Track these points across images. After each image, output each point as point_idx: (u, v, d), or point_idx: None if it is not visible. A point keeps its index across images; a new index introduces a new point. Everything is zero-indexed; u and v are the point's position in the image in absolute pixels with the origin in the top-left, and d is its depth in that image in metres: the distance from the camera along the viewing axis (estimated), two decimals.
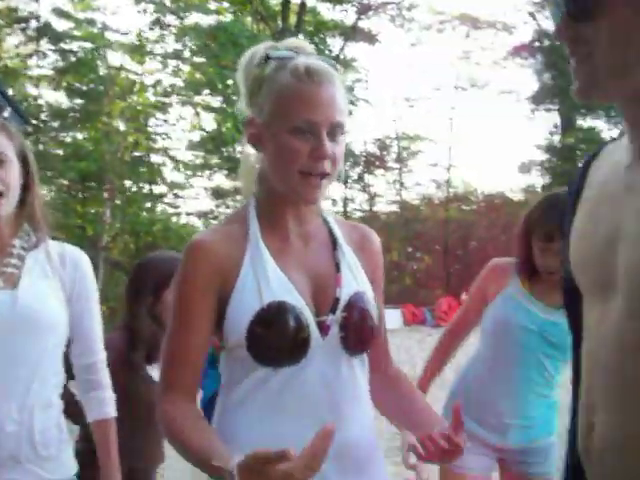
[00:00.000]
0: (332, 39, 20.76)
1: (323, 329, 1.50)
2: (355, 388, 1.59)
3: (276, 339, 1.46)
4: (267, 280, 1.51)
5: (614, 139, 1.30)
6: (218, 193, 22.40)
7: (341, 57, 20.17)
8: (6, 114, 9.71)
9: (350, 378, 1.57)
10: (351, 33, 20.31)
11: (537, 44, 21.85)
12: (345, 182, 19.64)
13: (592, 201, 1.23)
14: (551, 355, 2.44)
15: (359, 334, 1.54)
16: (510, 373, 2.49)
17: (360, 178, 21.29)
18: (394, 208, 25.23)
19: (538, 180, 22.01)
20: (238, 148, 17.76)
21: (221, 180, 22.69)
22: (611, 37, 1.03)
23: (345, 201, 20.85)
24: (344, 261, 1.59)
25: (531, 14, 22.01)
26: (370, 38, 22.68)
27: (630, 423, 1.13)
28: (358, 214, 20.70)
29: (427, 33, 24.93)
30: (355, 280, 1.57)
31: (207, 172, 19.38)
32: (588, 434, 1.22)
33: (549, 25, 21.99)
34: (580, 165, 1.40)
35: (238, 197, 22.23)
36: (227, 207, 22.86)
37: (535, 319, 2.46)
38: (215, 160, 18.08)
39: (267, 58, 1.46)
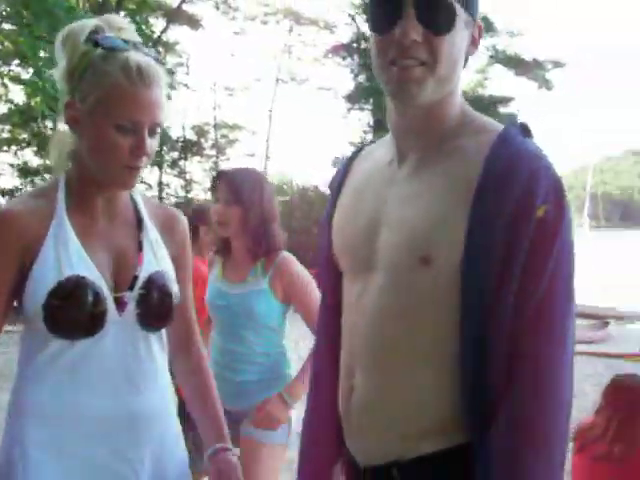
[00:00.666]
0: (154, 20, 20.24)
1: (120, 305, 1.58)
2: (152, 362, 1.67)
3: (72, 312, 1.52)
4: (68, 255, 1.55)
5: (372, 142, 1.51)
6: (25, 170, 21.10)
7: (163, 39, 19.74)
8: None
9: (147, 353, 1.66)
10: (174, 15, 19.91)
11: (355, 45, 22.63)
12: (160, 167, 19.25)
13: (356, 191, 1.44)
14: (247, 326, 2.67)
15: (156, 312, 1.63)
16: (227, 349, 2.73)
17: (176, 164, 20.95)
18: (209, 196, 25.02)
19: None
20: (49, 124, 16.90)
21: (29, 157, 21.41)
22: (448, 56, 1.28)
23: (160, 186, 20.41)
24: (147, 240, 1.66)
25: (351, 16, 22.72)
26: (193, 22, 22.35)
27: (385, 383, 1.34)
28: (173, 199, 20.36)
29: (251, 24, 24.84)
30: (156, 259, 1.65)
31: (14, 148, 18.22)
32: (348, 396, 1.41)
33: (366, 28, 22.91)
34: (346, 156, 1.61)
35: (47, 175, 21.11)
36: (35, 186, 21.62)
37: (224, 296, 2.71)
38: (23, 135, 17.04)
39: (96, 44, 1.50)
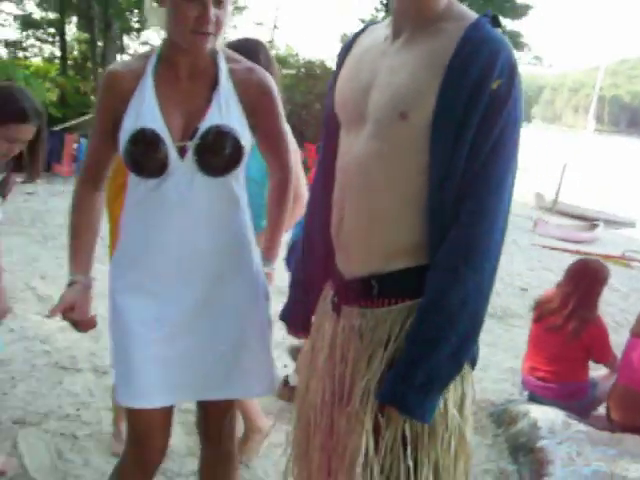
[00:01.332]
0: None
1: (182, 152, 1.90)
2: (209, 203, 1.97)
3: (140, 155, 1.89)
4: (143, 110, 1.90)
5: (376, 22, 1.82)
6: (28, 23, 20.73)
7: None
8: None
9: (204, 195, 1.96)
10: None
11: None
12: None
13: (356, 60, 1.77)
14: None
15: (212, 159, 1.91)
16: None
17: None
18: None
19: None
20: None
21: (32, 8, 20.96)
22: None
23: None
24: (217, 98, 1.94)
25: None
26: None
27: (368, 213, 1.71)
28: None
29: None
30: (220, 115, 1.92)
31: None
32: (339, 223, 1.77)
33: None
34: (355, 31, 1.92)
35: (50, 30, 20.72)
36: (37, 39, 21.28)
37: None
38: None
39: None
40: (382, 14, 21.94)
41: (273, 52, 25.21)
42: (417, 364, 1.59)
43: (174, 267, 1.97)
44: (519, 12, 23.44)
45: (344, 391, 1.79)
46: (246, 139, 1.95)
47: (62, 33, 19.42)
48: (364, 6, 26.60)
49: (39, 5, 18.95)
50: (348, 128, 1.79)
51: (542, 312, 4.10)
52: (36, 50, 21.14)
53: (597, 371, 4.10)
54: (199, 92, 1.95)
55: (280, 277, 2.67)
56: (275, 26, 23.83)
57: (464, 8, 1.69)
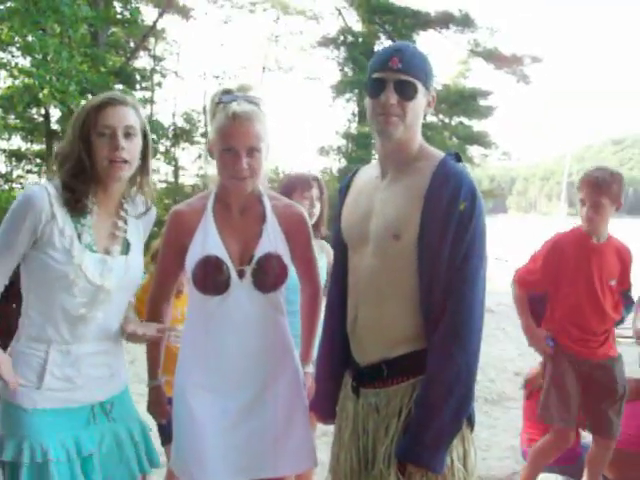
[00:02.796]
0: (146, 8, 20.66)
1: (241, 274, 2.38)
2: (261, 313, 2.44)
3: (207, 277, 2.36)
4: (207, 241, 2.38)
5: (366, 165, 2.45)
6: (16, 156, 21.36)
7: (156, 28, 20.16)
8: None
9: (257, 307, 2.42)
10: (166, 5, 20.36)
11: (342, 38, 23.16)
12: (153, 155, 19.74)
13: (356, 195, 2.42)
14: None
15: (265, 279, 2.40)
16: None
17: (167, 151, 21.40)
18: (197, 181, 25.53)
19: (335, 163, 23.39)
20: (39, 111, 17.26)
21: (18, 142, 21.60)
22: (413, 113, 2.13)
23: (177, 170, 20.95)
24: (266, 230, 2.42)
25: (337, 9, 23.18)
26: (184, 12, 22.85)
27: (376, 311, 2.29)
28: (164, 185, 20.90)
29: (239, 12, 25.28)
30: (270, 243, 2.41)
31: (5, 134, 18.60)
32: (354, 322, 2.28)
33: (353, 22, 23.47)
34: (349, 173, 2.61)
35: (37, 160, 21.33)
36: (26, 170, 21.86)
37: None
38: (12, 121, 17.45)
39: (218, 102, 2.35)
40: (354, 124, 22.96)
41: None
42: (426, 425, 2.03)
43: (233, 367, 2.40)
44: (484, 113, 24.63)
45: (368, 458, 2.21)
46: (289, 262, 2.43)
47: (47, 164, 20.01)
48: (338, 118, 28.11)
49: (24, 138, 19.57)
50: (354, 248, 2.32)
51: (531, 389, 4.44)
52: (22, 181, 21.69)
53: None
54: (251, 225, 2.43)
55: None
56: None
57: (431, 149, 2.24)
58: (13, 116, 17.06)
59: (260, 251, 2.39)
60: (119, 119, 2.19)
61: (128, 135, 2.20)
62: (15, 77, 13.16)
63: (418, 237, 2.08)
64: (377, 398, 2.21)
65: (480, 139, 24.28)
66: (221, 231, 2.39)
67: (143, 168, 2.33)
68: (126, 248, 2.31)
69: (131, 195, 2.39)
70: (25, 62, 13.84)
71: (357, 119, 22.93)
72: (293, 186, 3.58)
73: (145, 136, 2.30)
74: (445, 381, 2.03)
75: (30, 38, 11.11)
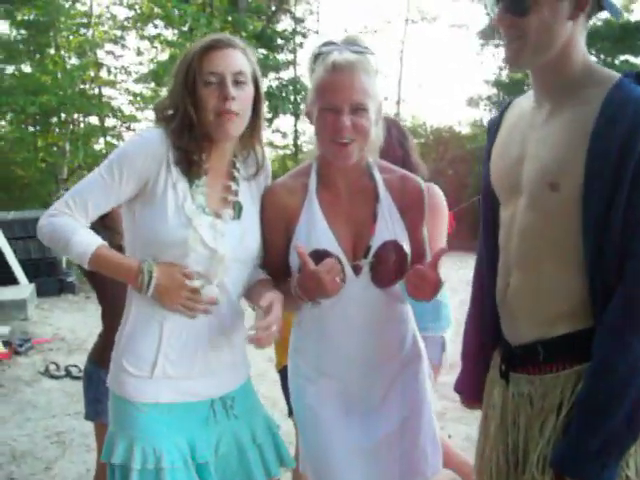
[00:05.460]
0: None
1: (357, 270, 2.01)
2: (381, 310, 2.08)
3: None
4: (316, 232, 2.00)
5: (521, 96, 1.91)
6: None
7: None
8: None
9: (376, 304, 2.06)
10: None
11: None
12: (297, 115, 19.82)
13: (506, 135, 1.85)
14: None
15: (385, 274, 2.02)
16: None
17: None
18: None
19: (485, 114, 22.46)
20: None
21: None
22: (538, 27, 1.61)
23: (296, 134, 21.01)
24: (381, 213, 2.04)
25: None
26: None
27: (532, 279, 1.77)
28: (309, 147, 20.86)
29: None
30: (387, 229, 2.02)
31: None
32: (504, 290, 1.83)
33: None
34: (501, 106, 2.01)
35: None
36: None
37: None
38: (164, 93, 17.96)
39: (317, 54, 1.98)
40: (505, 72, 21.87)
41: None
42: (591, 431, 1.59)
43: (356, 369, 2.08)
44: None
45: (518, 457, 1.81)
46: (408, 247, 2.05)
47: None
48: (487, 67, 26.85)
49: None
50: (505, 200, 1.87)
51: None
52: None
53: None
54: (362, 208, 2.05)
55: (453, 350, 2.77)
56: (399, 99, 24.11)
57: (605, 71, 1.72)
58: (165, 89, 17.54)
59: (377, 240, 2.02)
60: (227, 64, 1.90)
61: (238, 83, 1.91)
62: (159, 50, 13.45)
63: (583, 186, 1.62)
64: (531, 387, 1.80)
65: None
66: (329, 218, 2.02)
67: (255, 123, 2.02)
68: (238, 212, 2.01)
69: (242, 154, 2.09)
70: (168, 34, 14.18)
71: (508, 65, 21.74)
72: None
73: (257, 85, 1.99)
74: (619, 374, 1.57)
75: (170, 9, 11.25)
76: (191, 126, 1.90)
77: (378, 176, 2.08)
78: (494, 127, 1.97)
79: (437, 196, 3.05)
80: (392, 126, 3.03)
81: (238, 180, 2.04)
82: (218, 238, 1.92)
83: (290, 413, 3.11)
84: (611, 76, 1.69)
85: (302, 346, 2.16)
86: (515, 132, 1.85)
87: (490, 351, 2.01)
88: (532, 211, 1.75)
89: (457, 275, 9.15)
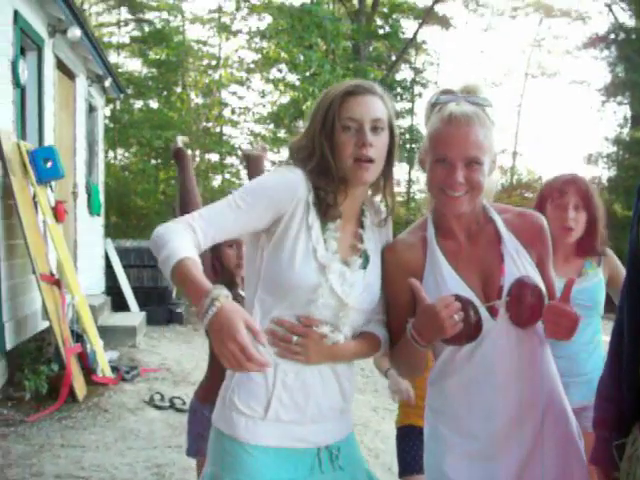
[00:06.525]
0: (406, 21, 20.85)
1: (493, 312, 1.90)
2: (525, 354, 1.94)
3: None
4: (444, 280, 1.92)
5: None
6: None
7: (415, 40, 20.27)
8: (107, 83, 10.28)
9: (519, 347, 1.93)
10: (425, 16, 20.38)
11: (612, 36, 21.53)
12: (411, 164, 19.84)
13: None
14: (587, 315, 2.72)
15: (523, 312, 1.90)
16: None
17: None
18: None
19: (604, 172, 21.78)
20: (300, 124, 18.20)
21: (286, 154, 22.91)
22: None
23: (409, 182, 21.01)
24: (507, 252, 1.95)
25: (607, 5, 21.62)
26: (444, 22, 22.74)
27: None
28: (423, 195, 20.86)
29: (499, 19, 24.66)
30: (516, 267, 1.93)
31: (273, 145, 19.75)
32: None
33: (625, 17, 21.70)
34: None
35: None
36: None
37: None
38: (282, 135, 18.44)
39: (434, 103, 1.94)
40: (626, 130, 21.19)
41: (515, 178, 25.34)
42: None
43: (501, 425, 1.93)
44: None
45: None
46: (541, 283, 1.93)
47: None
48: (607, 124, 26.21)
49: None
50: None
51: None
52: None
53: None
54: (486, 250, 1.97)
55: None
56: (515, 152, 23.75)
57: None
58: (283, 130, 18.03)
59: (508, 279, 1.91)
60: (366, 111, 1.88)
61: (375, 129, 1.88)
62: (282, 92, 13.82)
63: None
64: None
65: None
66: (454, 265, 1.95)
67: (387, 170, 1.98)
68: (365, 262, 1.96)
69: (372, 201, 2.06)
70: (291, 78, 14.57)
71: (630, 123, 21.06)
72: (542, 195, 2.99)
73: (392, 132, 1.95)
74: None
75: (296, 54, 11.56)
76: (328, 169, 1.89)
77: (497, 216, 2.01)
78: None
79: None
80: (585, 188, 2.96)
81: (366, 227, 2.01)
82: (346, 288, 1.88)
83: (402, 474, 3.00)
84: None
85: (439, 406, 2.04)
86: None
87: (628, 422, 1.85)
88: None
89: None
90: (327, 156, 1.89)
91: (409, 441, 3.00)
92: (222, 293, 1.63)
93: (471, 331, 1.86)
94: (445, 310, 1.76)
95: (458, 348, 1.91)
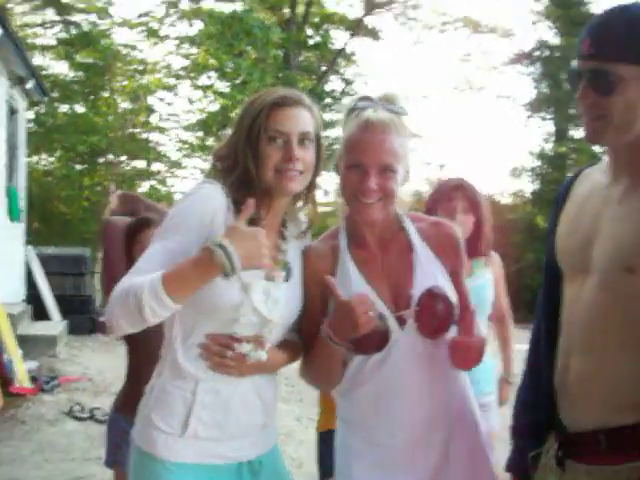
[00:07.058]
0: (337, 32, 21.03)
1: (402, 322, 1.89)
2: (433, 365, 1.94)
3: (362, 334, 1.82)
4: (352, 289, 1.89)
5: (591, 164, 1.81)
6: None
7: (345, 51, 20.46)
8: (29, 85, 9.99)
9: (428, 358, 1.92)
10: (356, 28, 20.59)
11: (537, 53, 22.22)
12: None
13: (577, 208, 1.75)
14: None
15: (431, 323, 1.89)
16: None
17: None
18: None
19: (528, 186, 22.39)
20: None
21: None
22: (623, 108, 1.53)
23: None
24: (418, 262, 1.95)
25: (533, 23, 22.35)
26: (374, 34, 23.01)
27: (596, 364, 1.63)
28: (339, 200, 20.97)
29: (429, 33, 25.11)
30: (427, 277, 1.92)
31: (202, 153, 19.60)
32: (564, 372, 1.70)
33: (549, 35, 22.42)
34: (568, 177, 1.92)
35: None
36: None
37: None
38: (211, 142, 18.28)
39: (352, 109, 1.93)
40: (550, 145, 21.86)
41: None
42: None
43: (409, 436, 1.92)
44: None
45: None
46: (452, 294, 1.94)
47: None
48: (532, 138, 27.08)
49: None
50: (571, 277, 1.76)
51: None
52: None
53: None
54: (398, 260, 1.96)
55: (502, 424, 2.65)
56: (442, 165, 24.17)
57: None
58: (212, 138, 17.89)
59: (418, 289, 1.91)
60: (294, 123, 1.84)
61: (303, 142, 1.86)
62: (211, 100, 13.75)
63: None
64: (589, 478, 1.65)
65: None
66: (365, 274, 1.94)
67: (311, 181, 1.95)
68: (287, 274, 1.93)
69: (293, 211, 2.03)
70: (220, 85, 14.48)
71: (554, 138, 21.74)
72: (433, 200, 3.11)
73: (319, 144, 1.93)
74: None
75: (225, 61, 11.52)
76: (251, 181, 1.84)
77: (410, 226, 2.01)
78: (561, 199, 1.88)
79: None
80: (471, 193, 3.11)
81: (287, 239, 1.98)
82: (270, 304, 1.84)
83: (322, 477, 2.98)
84: None
85: (348, 416, 2.03)
86: (587, 207, 1.75)
87: (543, 430, 1.88)
88: (602, 292, 1.64)
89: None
90: (250, 168, 1.85)
91: (329, 445, 2.99)
92: (213, 238, 1.66)
93: (379, 340, 1.84)
94: (360, 306, 1.74)
95: (367, 358, 1.90)
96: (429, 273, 1.94)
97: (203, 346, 1.83)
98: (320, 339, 1.88)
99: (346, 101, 20.52)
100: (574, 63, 1.62)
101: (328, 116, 19.85)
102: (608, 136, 1.62)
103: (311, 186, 1.97)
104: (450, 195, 3.05)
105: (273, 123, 1.85)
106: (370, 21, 22.11)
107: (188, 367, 1.84)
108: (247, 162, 1.84)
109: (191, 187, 1.97)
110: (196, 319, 1.82)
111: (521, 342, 2.20)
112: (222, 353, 1.83)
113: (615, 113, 1.58)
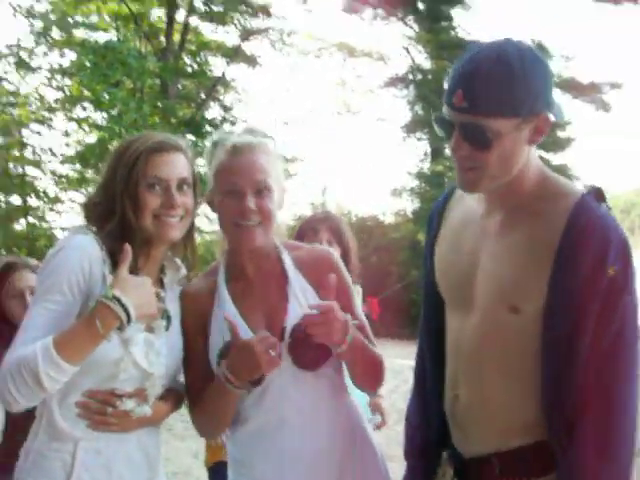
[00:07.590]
0: (215, 59, 20.96)
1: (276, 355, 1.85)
2: (316, 396, 1.93)
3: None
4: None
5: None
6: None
7: (224, 78, 20.41)
8: None
9: (309, 390, 1.92)
10: (233, 55, 20.60)
11: (410, 77, 22.92)
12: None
13: (453, 237, 1.79)
14: None
15: (306, 353, 1.87)
16: None
17: None
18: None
19: (408, 204, 22.93)
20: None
21: None
22: (498, 160, 1.57)
23: None
24: (292, 292, 1.93)
25: (405, 48, 23.01)
26: (251, 61, 23.06)
27: (483, 395, 1.69)
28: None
29: (305, 58, 25.38)
30: (301, 308, 1.90)
31: (80, 187, 18.97)
32: (453, 401, 1.75)
33: (421, 59, 23.19)
34: (441, 196, 1.95)
35: None
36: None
37: None
38: (90, 175, 17.75)
39: (215, 143, 1.94)
40: (427, 164, 22.53)
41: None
42: None
43: (299, 472, 1.90)
44: (562, 145, 23.80)
45: None
46: None
47: None
48: (410, 158, 27.83)
49: None
50: (455, 309, 1.81)
51: None
52: None
53: None
54: (273, 291, 1.96)
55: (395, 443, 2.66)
56: (325, 188, 24.44)
57: (561, 183, 1.68)
58: (91, 170, 17.34)
59: (291, 320, 1.91)
60: (173, 170, 1.84)
61: (182, 187, 1.86)
62: (87, 132, 13.37)
63: (545, 311, 1.56)
64: None
65: (560, 173, 23.17)
66: (240, 307, 1.94)
67: (190, 226, 1.96)
68: (167, 323, 1.91)
69: (171, 258, 2.00)
70: (97, 117, 14.11)
71: (430, 158, 22.43)
72: (299, 234, 3.19)
73: (195, 189, 1.93)
74: None
75: (100, 92, 11.26)
76: (130, 230, 1.79)
77: (286, 256, 2.00)
78: (437, 217, 1.90)
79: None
80: (336, 225, 3.20)
81: (166, 287, 1.95)
82: (152, 357, 1.81)
83: None
84: (569, 192, 1.63)
85: (236, 455, 2.01)
86: (464, 237, 1.78)
87: (436, 450, 1.91)
88: (485, 329, 1.69)
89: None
90: (129, 216, 1.80)
91: (222, 476, 2.99)
92: (104, 293, 1.65)
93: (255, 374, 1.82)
94: (259, 345, 1.72)
95: (245, 395, 1.88)
96: (304, 303, 1.93)
97: (82, 404, 1.76)
98: (213, 386, 1.85)
99: (226, 128, 20.60)
100: (444, 110, 1.59)
101: (208, 144, 19.75)
102: (483, 185, 1.64)
103: (190, 230, 1.95)
104: (315, 228, 3.15)
105: (151, 170, 1.83)
106: (248, 47, 22.19)
107: (66, 427, 1.77)
108: (126, 210, 1.80)
109: (61, 239, 1.92)
110: (74, 377, 1.72)
111: (410, 358, 2.26)
112: (102, 411, 1.76)
113: (490, 166, 1.58)
